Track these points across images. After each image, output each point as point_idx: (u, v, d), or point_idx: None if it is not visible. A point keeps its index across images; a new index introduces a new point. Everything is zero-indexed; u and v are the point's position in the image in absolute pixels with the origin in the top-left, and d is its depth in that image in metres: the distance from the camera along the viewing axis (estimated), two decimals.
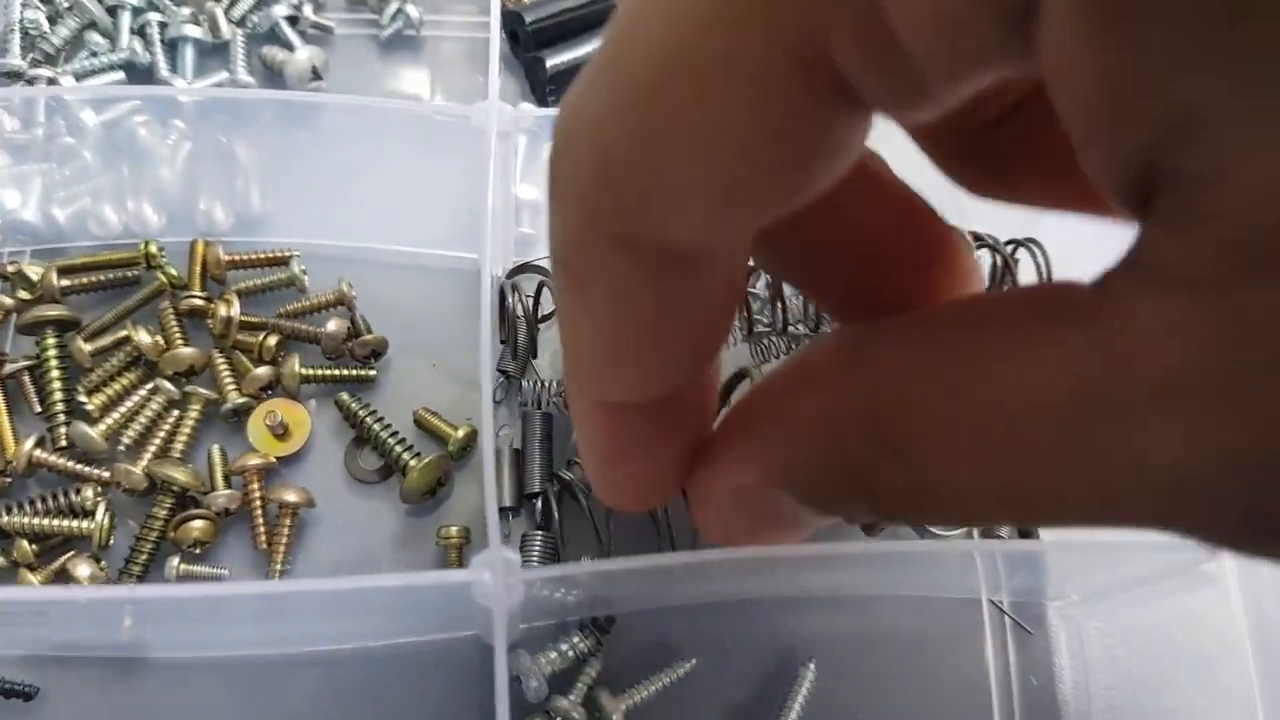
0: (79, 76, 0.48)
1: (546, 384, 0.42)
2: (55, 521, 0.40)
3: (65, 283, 0.44)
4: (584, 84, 0.16)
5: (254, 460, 0.41)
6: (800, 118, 0.15)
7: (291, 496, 0.41)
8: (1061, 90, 0.14)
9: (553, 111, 0.44)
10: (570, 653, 0.41)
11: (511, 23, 0.50)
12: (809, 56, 0.14)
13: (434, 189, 0.43)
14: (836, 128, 0.16)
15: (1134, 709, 0.41)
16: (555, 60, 0.49)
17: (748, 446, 0.20)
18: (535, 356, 0.43)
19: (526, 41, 0.50)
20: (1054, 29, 0.13)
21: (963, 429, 0.16)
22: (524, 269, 0.43)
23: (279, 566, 0.40)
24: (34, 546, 0.40)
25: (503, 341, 0.43)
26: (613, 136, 0.16)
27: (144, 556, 0.40)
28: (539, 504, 0.43)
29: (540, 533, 0.42)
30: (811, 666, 0.41)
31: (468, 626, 0.40)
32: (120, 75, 0.49)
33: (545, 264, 0.42)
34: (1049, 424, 0.15)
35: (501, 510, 0.41)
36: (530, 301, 0.42)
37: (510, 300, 0.42)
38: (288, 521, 0.41)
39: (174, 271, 0.45)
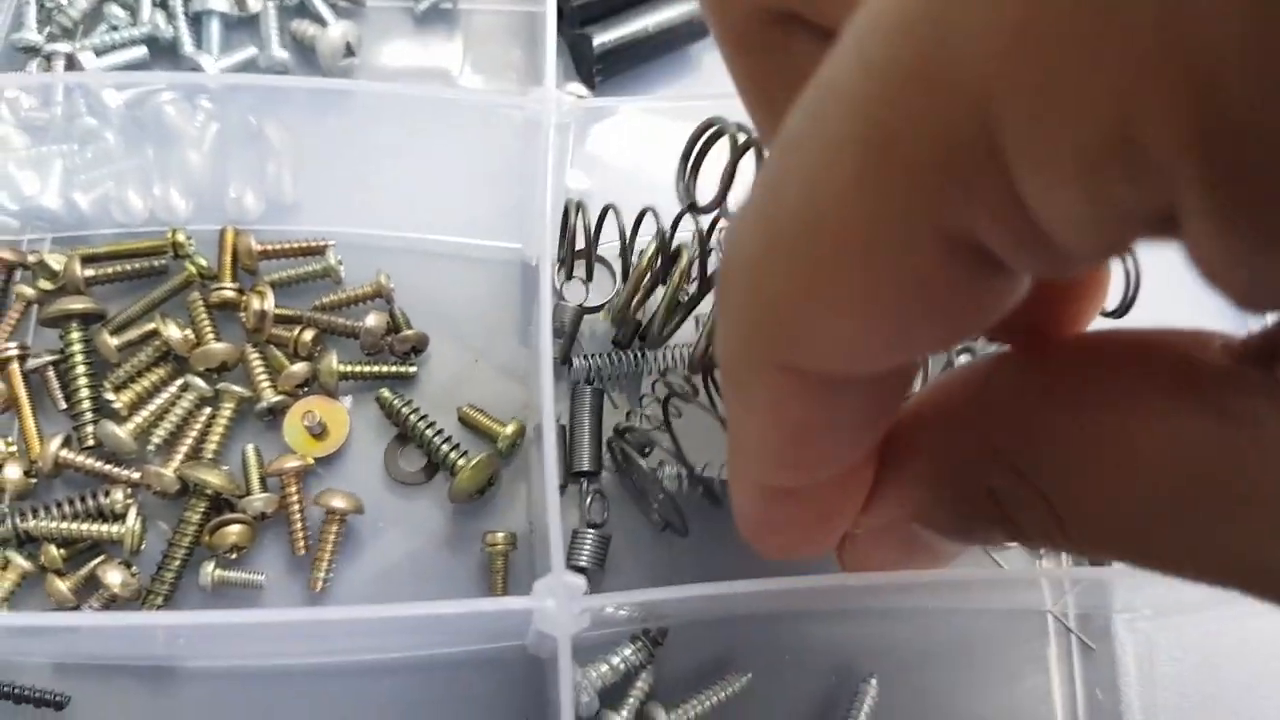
0: (99, 52, 0.46)
1: (597, 358, 0.41)
2: (84, 526, 0.38)
3: (89, 273, 0.42)
4: (743, 220, 0.17)
5: (291, 462, 0.40)
6: (945, 284, 0.15)
7: (339, 502, 0.39)
8: (1204, 268, 0.14)
9: (609, 101, 0.42)
10: (622, 666, 0.39)
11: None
12: (952, 235, 0.15)
13: (479, 177, 0.41)
14: (985, 290, 0.16)
15: None
16: (603, 38, 0.46)
17: (889, 486, 0.21)
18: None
19: (572, 17, 0.47)
20: (1198, 241, 0.14)
21: (1094, 477, 0.18)
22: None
23: (322, 575, 0.39)
24: (62, 551, 0.38)
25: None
26: (767, 280, 0.17)
27: (177, 563, 0.38)
28: (589, 497, 0.41)
29: (591, 531, 0.41)
30: (874, 682, 0.39)
31: (516, 638, 0.39)
32: (142, 50, 0.46)
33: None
34: (1170, 494, 0.17)
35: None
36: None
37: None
38: (334, 529, 0.39)
39: (203, 261, 0.43)
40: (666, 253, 0.39)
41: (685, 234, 0.39)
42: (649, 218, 0.39)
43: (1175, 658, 0.41)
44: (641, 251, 0.40)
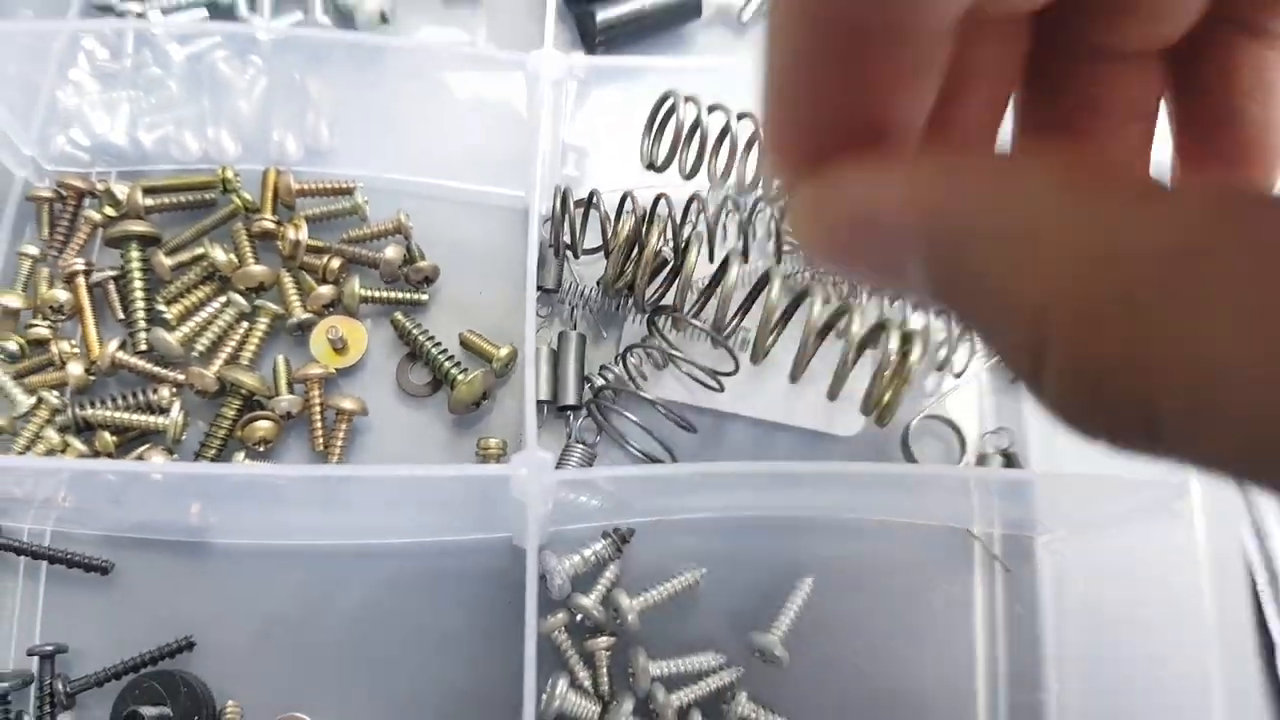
0: (165, 11, 0.52)
1: (586, 293, 0.47)
2: (134, 416, 0.45)
3: (149, 202, 0.48)
4: None
5: (315, 370, 0.46)
6: None
7: (347, 404, 0.45)
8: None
9: (604, 60, 0.48)
10: (592, 557, 0.45)
11: None
12: None
13: (489, 130, 0.47)
14: None
15: (1109, 634, 0.44)
16: (605, 15, 0.52)
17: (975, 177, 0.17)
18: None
19: None
20: None
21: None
22: (587, 201, 0.47)
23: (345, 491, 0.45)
24: (114, 438, 0.44)
25: (551, 256, 0.47)
26: None
27: (212, 452, 0.45)
28: (576, 419, 0.47)
29: (580, 445, 0.46)
30: (809, 580, 0.45)
31: (502, 529, 0.44)
32: (203, 12, 0.53)
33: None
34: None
35: (539, 404, 0.46)
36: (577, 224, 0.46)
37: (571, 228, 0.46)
38: (343, 426, 0.45)
39: (248, 196, 0.49)
40: (640, 221, 0.45)
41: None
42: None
43: (1085, 575, 0.46)
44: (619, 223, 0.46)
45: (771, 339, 0.42)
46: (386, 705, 0.43)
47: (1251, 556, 0.47)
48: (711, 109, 0.44)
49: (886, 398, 0.42)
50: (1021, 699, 0.46)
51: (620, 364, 0.47)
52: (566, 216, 0.46)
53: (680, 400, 0.48)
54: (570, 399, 0.47)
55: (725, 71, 0.47)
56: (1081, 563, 0.46)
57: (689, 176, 0.45)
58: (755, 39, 0.56)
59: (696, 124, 0.43)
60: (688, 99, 0.43)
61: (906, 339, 0.39)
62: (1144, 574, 0.43)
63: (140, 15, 0.51)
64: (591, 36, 0.52)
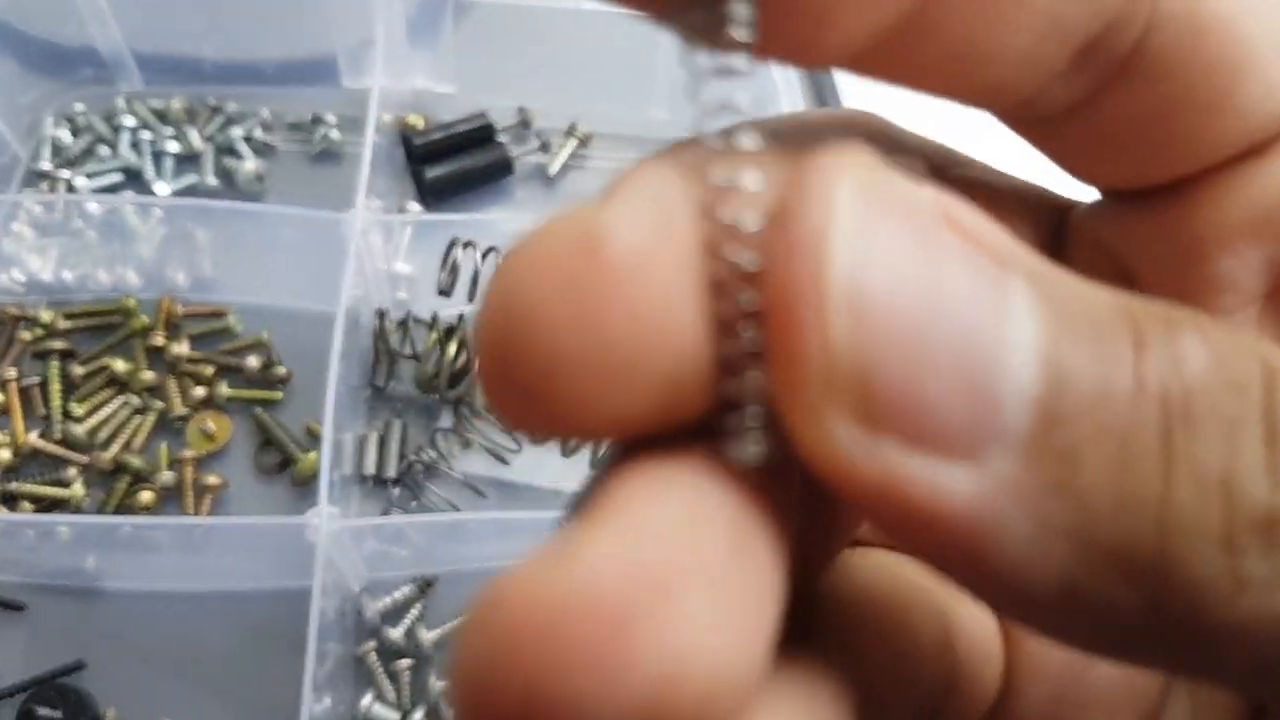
0: (89, 176, 0.67)
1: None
2: (48, 489, 0.58)
3: (68, 325, 0.62)
4: None
5: (188, 454, 0.59)
6: None
7: (213, 479, 0.58)
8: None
9: (427, 215, 0.62)
10: (401, 598, 0.57)
11: (406, 141, 0.68)
12: None
13: (330, 268, 0.60)
14: None
15: None
16: (433, 172, 0.66)
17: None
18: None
19: (415, 155, 0.68)
20: None
21: None
22: (402, 322, 0.60)
23: (197, 537, 0.57)
24: (33, 506, 0.57)
25: (379, 361, 0.61)
26: None
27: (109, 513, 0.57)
28: (395, 489, 0.60)
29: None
30: None
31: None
32: (120, 177, 0.67)
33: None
34: None
35: (366, 477, 0.59)
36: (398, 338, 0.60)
37: (387, 340, 0.60)
38: (209, 497, 0.58)
39: (145, 319, 0.63)
40: (444, 339, 0.59)
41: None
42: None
43: None
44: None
45: None
46: (233, 715, 0.55)
47: None
48: (486, 252, 0.58)
49: None
50: None
51: (432, 444, 0.60)
52: (386, 333, 0.60)
53: (482, 474, 0.61)
54: (391, 473, 0.60)
55: (530, 220, 0.61)
56: None
57: (471, 300, 0.58)
58: (562, 190, 0.70)
59: (474, 263, 0.57)
60: (466, 244, 0.57)
61: None
62: None
63: (69, 182, 0.66)
64: (423, 190, 0.67)
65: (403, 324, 0.60)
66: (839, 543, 0.16)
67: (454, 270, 0.57)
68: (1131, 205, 0.19)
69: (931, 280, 0.11)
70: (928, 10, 0.15)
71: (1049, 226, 0.20)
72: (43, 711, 0.52)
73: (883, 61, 0.16)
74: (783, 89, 0.62)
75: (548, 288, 0.11)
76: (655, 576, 0.11)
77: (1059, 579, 0.11)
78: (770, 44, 0.13)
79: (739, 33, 0.12)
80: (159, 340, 0.62)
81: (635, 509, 0.11)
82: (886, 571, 0.17)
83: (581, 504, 0.12)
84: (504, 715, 0.11)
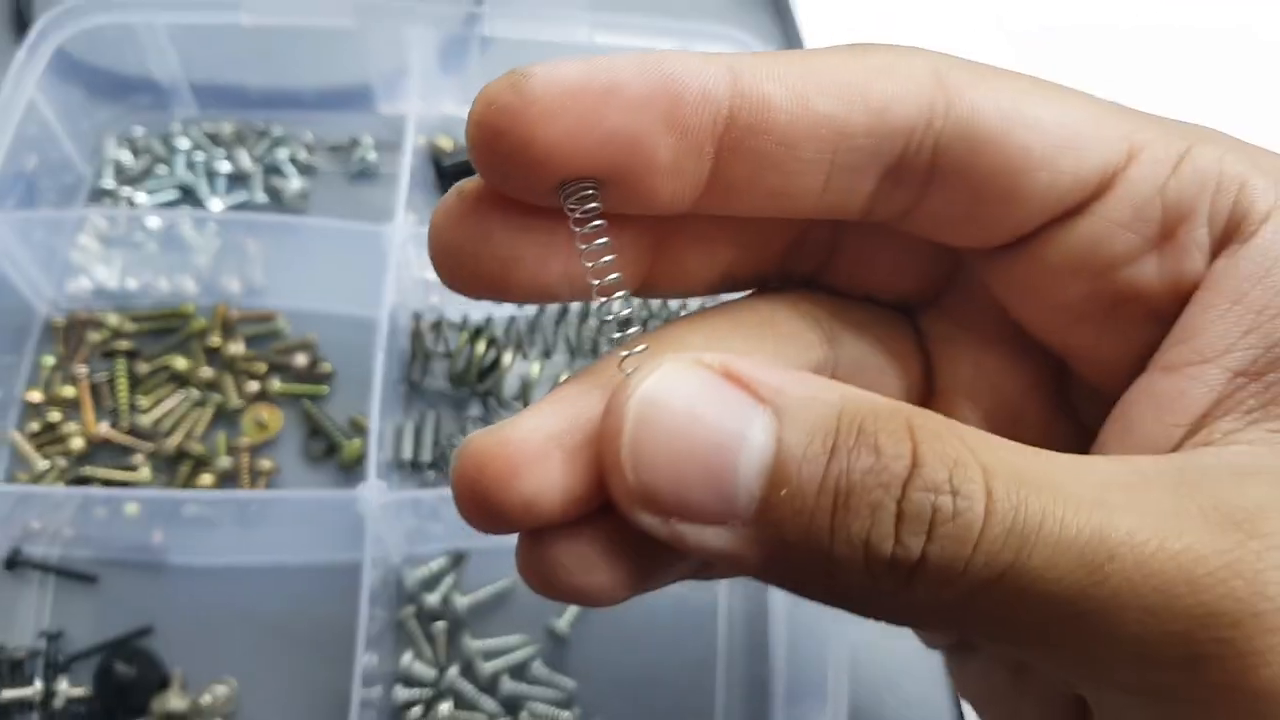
0: (149, 193, 0.73)
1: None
2: (117, 473, 0.64)
3: (132, 328, 0.68)
4: None
5: (245, 441, 0.65)
6: None
7: (266, 464, 0.65)
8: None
9: None
10: (436, 568, 0.63)
11: (437, 161, 0.75)
12: None
13: (370, 276, 0.67)
14: None
15: (812, 617, 0.62)
16: None
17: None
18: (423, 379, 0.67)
19: (445, 174, 0.74)
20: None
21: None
22: (435, 324, 0.67)
23: (253, 512, 0.64)
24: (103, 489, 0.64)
25: (415, 359, 0.67)
26: None
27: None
28: (432, 472, 0.66)
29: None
30: None
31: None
32: (176, 194, 0.74)
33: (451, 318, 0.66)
34: None
35: (404, 462, 0.65)
36: (432, 338, 0.66)
37: (422, 340, 0.66)
38: (263, 480, 0.65)
39: (203, 322, 0.69)
40: (473, 338, 0.65)
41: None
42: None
43: None
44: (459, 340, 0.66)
45: None
46: (288, 674, 0.61)
47: None
48: None
49: None
50: (753, 670, 0.64)
51: (463, 433, 0.67)
52: (421, 333, 0.66)
53: None
54: (426, 458, 0.66)
55: None
56: None
57: (500, 303, 0.65)
58: None
59: None
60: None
61: None
62: None
63: (130, 199, 0.72)
64: None
65: (436, 325, 0.67)
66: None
67: None
68: (987, 255, 0.26)
69: (689, 419, 0.19)
70: (734, 167, 0.22)
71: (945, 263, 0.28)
72: (119, 668, 0.58)
73: (717, 205, 0.23)
74: None
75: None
76: (529, 451, 0.22)
77: (781, 579, 0.21)
78: (617, 207, 0.22)
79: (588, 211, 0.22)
80: (215, 341, 0.68)
81: (538, 414, 0.22)
82: None
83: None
84: (461, 496, 0.22)
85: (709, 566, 0.25)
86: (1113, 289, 0.24)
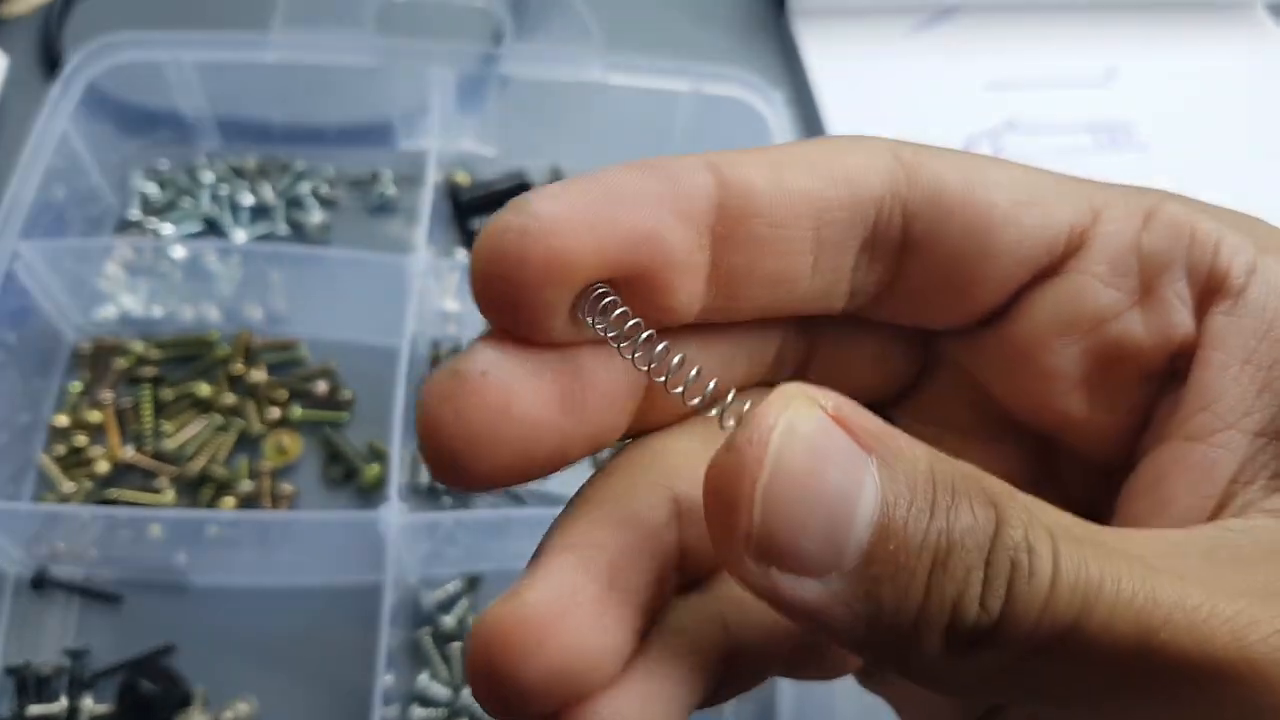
0: (175, 225, 0.75)
1: None
2: (142, 495, 0.66)
3: (157, 354, 0.70)
4: None
5: (266, 465, 0.67)
6: None
7: (287, 488, 0.66)
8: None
9: (458, 261, 0.71)
10: (453, 590, 0.65)
11: (454, 196, 0.77)
12: None
13: (390, 305, 0.69)
14: None
15: None
16: (478, 223, 0.76)
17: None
18: None
19: (462, 208, 0.77)
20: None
21: None
22: (453, 352, 0.69)
23: (274, 534, 0.65)
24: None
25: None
26: None
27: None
28: (445, 498, 0.68)
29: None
30: None
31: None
32: (200, 226, 0.76)
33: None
34: None
35: (419, 488, 0.67)
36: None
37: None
38: (284, 504, 0.66)
39: (226, 349, 0.71)
40: None
41: None
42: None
43: None
44: None
45: None
46: (307, 693, 0.62)
47: None
48: None
49: None
50: (763, 692, 0.65)
51: None
52: (439, 361, 0.68)
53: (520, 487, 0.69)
54: (442, 485, 0.68)
55: None
56: None
57: None
58: None
59: None
60: None
61: None
62: None
63: (156, 230, 0.75)
64: (470, 238, 0.76)
65: (453, 354, 0.69)
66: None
67: None
68: (967, 336, 0.26)
69: (817, 462, 0.18)
70: (730, 257, 0.23)
71: (918, 347, 0.28)
72: (143, 686, 0.59)
73: (721, 302, 0.24)
74: (777, 135, 0.71)
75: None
76: (550, 611, 0.20)
77: (862, 641, 0.20)
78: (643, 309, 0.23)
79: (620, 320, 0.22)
80: (238, 368, 0.70)
81: (550, 570, 0.21)
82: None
83: (536, 554, 0.22)
84: (477, 678, 0.20)
85: (761, 666, 0.24)
86: (1101, 347, 0.24)
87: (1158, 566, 0.19)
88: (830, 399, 0.19)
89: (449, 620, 0.63)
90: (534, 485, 0.67)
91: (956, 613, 0.18)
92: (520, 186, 0.77)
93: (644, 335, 0.21)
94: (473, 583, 0.65)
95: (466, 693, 0.61)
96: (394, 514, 0.57)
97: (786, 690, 0.61)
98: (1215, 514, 0.22)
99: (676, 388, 0.22)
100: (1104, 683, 0.19)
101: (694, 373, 0.22)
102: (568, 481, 0.66)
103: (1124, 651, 0.18)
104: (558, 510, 0.57)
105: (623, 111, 0.76)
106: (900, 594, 0.18)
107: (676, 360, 0.22)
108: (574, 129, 0.79)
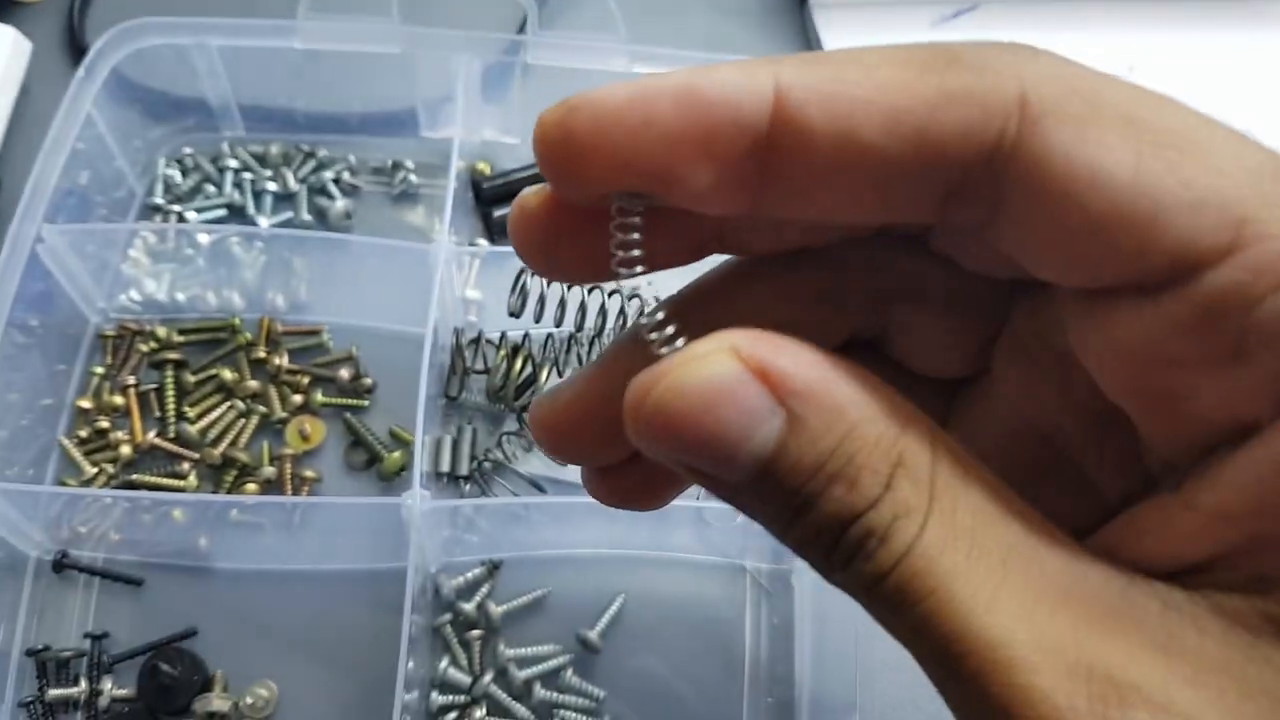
0: (198, 210, 0.76)
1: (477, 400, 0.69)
2: (164, 480, 0.66)
3: (180, 339, 0.70)
4: None
5: (288, 451, 0.67)
6: None
7: (309, 474, 0.66)
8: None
9: (477, 250, 0.71)
10: (471, 577, 0.65)
11: (475, 185, 0.77)
12: None
13: (414, 290, 0.69)
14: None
15: (834, 637, 0.64)
16: (500, 212, 0.75)
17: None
18: (463, 392, 0.69)
19: (484, 198, 0.76)
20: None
21: None
22: (474, 340, 0.69)
23: (297, 518, 0.65)
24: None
25: (454, 374, 0.69)
26: None
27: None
28: (466, 485, 0.68)
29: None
30: (622, 596, 0.65)
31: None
32: (224, 212, 0.76)
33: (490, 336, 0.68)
34: None
35: (440, 474, 0.67)
36: (470, 354, 0.68)
37: (462, 356, 0.68)
38: (305, 489, 0.66)
39: (248, 335, 0.71)
40: (511, 356, 0.67)
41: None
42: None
43: (821, 599, 0.66)
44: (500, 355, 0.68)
45: None
46: (328, 678, 0.63)
47: None
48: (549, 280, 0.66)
49: None
50: (778, 682, 0.65)
51: (499, 446, 0.69)
52: (460, 349, 0.68)
53: (542, 473, 0.69)
54: (463, 471, 0.68)
55: None
56: (816, 587, 0.66)
57: (537, 322, 0.67)
58: None
59: (540, 289, 0.66)
60: (533, 273, 0.66)
61: None
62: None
63: (180, 215, 0.75)
64: (491, 228, 0.76)
65: (474, 342, 0.69)
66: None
67: (523, 294, 0.66)
68: (1086, 302, 0.22)
69: (707, 410, 0.20)
70: (771, 193, 0.23)
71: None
72: (164, 669, 0.59)
73: (772, 212, 0.23)
74: None
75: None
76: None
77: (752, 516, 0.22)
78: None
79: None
80: (261, 354, 0.70)
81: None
82: None
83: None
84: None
85: None
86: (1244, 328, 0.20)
87: (996, 601, 0.19)
88: (755, 351, 0.20)
89: (469, 607, 0.63)
90: (555, 474, 0.67)
91: (804, 552, 0.21)
92: (541, 175, 0.77)
93: (631, 236, 0.23)
94: (492, 570, 0.65)
95: (486, 679, 0.61)
96: (417, 499, 0.57)
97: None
98: (1172, 572, 0.21)
99: (645, 331, 0.23)
100: (919, 655, 0.20)
101: (659, 317, 0.23)
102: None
103: (925, 652, 0.20)
104: (578, 499, 0.57)
105: None
106: (769, 521, 0.22)
107: (635, 255, 0.23)
108: None
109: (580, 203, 0.23)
